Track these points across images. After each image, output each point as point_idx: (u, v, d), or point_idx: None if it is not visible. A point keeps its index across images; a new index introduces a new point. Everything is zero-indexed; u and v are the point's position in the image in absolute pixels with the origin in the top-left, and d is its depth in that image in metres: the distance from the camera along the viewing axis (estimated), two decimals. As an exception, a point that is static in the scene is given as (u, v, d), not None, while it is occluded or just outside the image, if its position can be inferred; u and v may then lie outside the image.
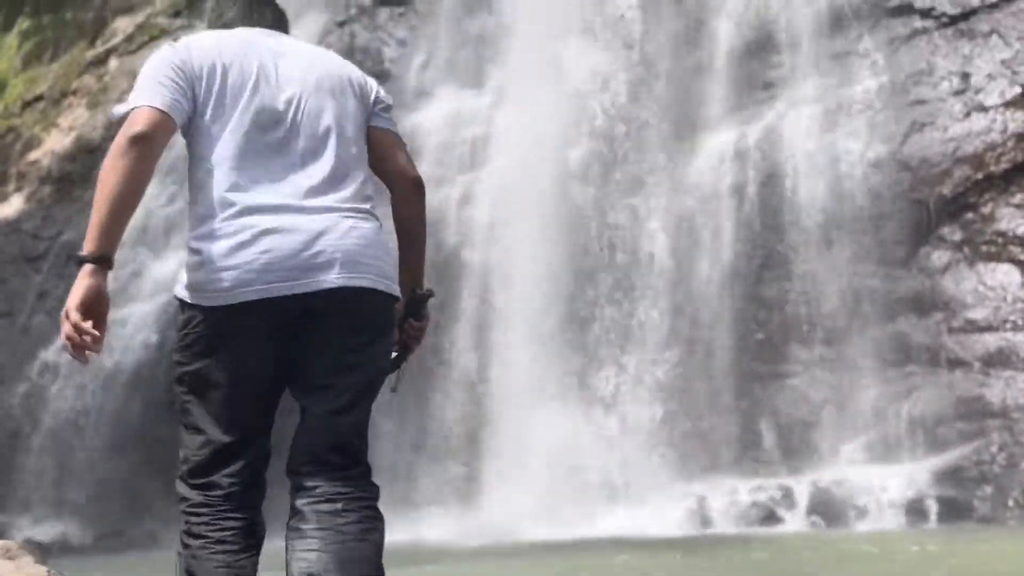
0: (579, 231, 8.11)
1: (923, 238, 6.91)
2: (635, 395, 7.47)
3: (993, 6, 7.31)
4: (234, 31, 2.31)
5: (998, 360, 6.39)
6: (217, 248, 2.03)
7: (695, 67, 8.40)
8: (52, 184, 12.64)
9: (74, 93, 14.04)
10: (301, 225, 2.07)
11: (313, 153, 2.17)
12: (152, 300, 9.37)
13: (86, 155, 12.52)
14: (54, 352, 9.39)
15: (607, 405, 7.50)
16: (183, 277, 2.10)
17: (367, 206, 2.15)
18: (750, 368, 7.19)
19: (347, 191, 2.15)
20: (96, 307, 1.95)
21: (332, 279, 2.03)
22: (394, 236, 2.30)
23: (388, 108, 2.34)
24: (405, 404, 7.08)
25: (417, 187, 2.30)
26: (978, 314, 6.53)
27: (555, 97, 8.54)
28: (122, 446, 8.63)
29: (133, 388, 9.00)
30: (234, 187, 2.09)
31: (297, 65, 2.25)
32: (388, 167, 2.29)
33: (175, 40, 2.45)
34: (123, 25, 14.71)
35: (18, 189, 13.06)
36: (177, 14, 13.94)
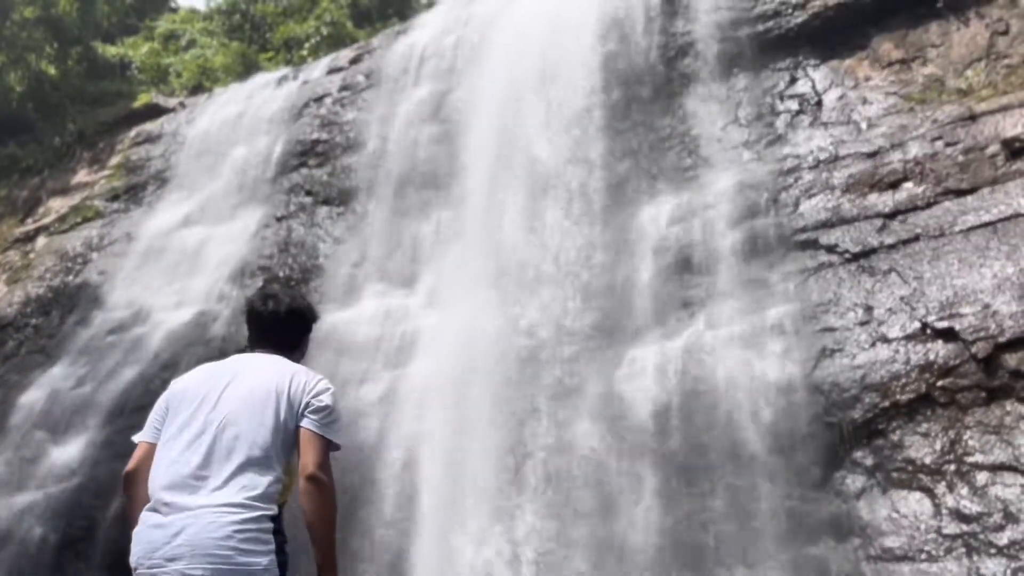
0: (506, 433, 8.02)
1: (838, 461, 7.01)
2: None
3: (891, 247, 7.93)
4: (215, 364, 3.08)
5: (917, 591, 6.31)
6: (136, 529, 2.71)
7: (622, 283, 8.77)
8: (-46, 357, 12.04)
9: (-5, 267, 13.74)
10: (199, 519, 2.60)
11: (220, 459, 2.72)
12: (41, 489, 8.60)
13: (-4, 330, 12.05)
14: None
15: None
16: None
17: (257, 502, 2.68)
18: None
19: (242, 489, 2.66)
20: None
21: (187, 568, 2.56)
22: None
23: (318, 410, 2.85)
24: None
25: (311, 483, 2.72)
26: (894, 542, 6.51)
27: (485, 303, 8.73)
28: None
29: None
30: (159, 483, 2.73)
31: (243, 385, 2.89)
32: (300, 463, 2.81)
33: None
34: (57, 205, 14.72)
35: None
36: (115, 198, 14.04)
